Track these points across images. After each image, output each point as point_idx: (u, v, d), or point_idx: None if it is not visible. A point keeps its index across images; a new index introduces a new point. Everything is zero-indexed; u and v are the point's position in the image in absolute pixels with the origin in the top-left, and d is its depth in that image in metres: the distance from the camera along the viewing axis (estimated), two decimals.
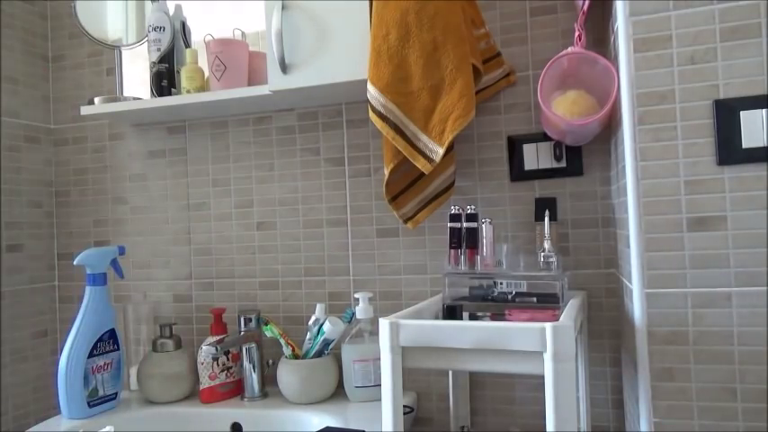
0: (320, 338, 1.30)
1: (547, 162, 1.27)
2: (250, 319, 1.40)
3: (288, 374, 1.30)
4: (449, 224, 1.16)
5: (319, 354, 1.32)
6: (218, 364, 1.37)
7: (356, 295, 1.29)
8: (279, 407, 1.30)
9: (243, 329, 1.38)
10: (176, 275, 1.56)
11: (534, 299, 1.03)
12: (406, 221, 1.30)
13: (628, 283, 0.96)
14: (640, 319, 0.87)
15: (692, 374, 0.84)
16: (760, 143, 0.82)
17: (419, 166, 1.15)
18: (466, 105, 1.10)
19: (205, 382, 1.36)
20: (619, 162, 1.02)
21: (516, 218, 1.28)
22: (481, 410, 1.31)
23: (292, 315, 1.46)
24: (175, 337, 1.41)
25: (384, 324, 0.90)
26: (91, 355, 1.31)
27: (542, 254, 1.09)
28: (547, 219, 1.11)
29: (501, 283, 1.05)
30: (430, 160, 1.14)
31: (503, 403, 1.30)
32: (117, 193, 1.62)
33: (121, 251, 1.41)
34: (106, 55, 1.60)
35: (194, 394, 1.41)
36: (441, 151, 1.12)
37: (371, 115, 1.16)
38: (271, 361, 1.40)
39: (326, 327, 1.29)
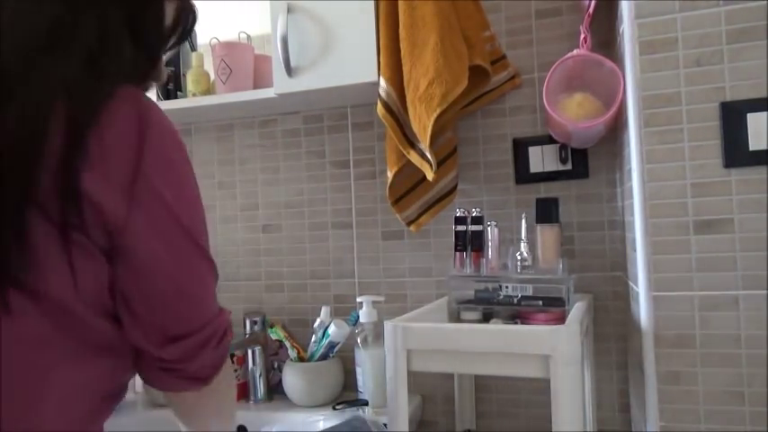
0: (325, 341, 1.30)
1: (552, 164, 1.27)
2: (255, 322, 1.40)
3: (293, 377, 1.30)
4: (454, 227, 1.16)
5: (324, 356, 1.32)
6: None
7: (359, 299, 1.29)
8: (284, 409, 1.30)
9: (248, 332, 1.38)
10: None
11: (540, 302, 1.02)
12: (409, 224, 1.31)
13: (634, 286, 0.96)
14: (647, 322, 0.87)
15: (699, 378, 0.84)
16: (766, 146, 0.81)
17: (416, 162, 1.16)
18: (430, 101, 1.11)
19: None
20: (625, 164, 1.02)
21: (521, 221, 1.27)
22: (486, 414, 1.31)
23: (297, 318, 1.46)
24: None
25: (389, 327, 0.90)
26: None
27: (518, 255, 1.08)
28: (524, 220, 1.10)
29: (506, 287, 1.04)
30: (425, 158, 1.15)
31: (508, 406, 1.30)
32: None
33: None
34: None
35: None
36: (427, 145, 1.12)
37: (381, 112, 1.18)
38: (276, 364, 1.40)
39: (332, 329, 1.29)
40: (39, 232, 0.52)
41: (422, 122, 1.11)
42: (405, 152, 1.20)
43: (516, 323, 1.04)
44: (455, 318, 1.12)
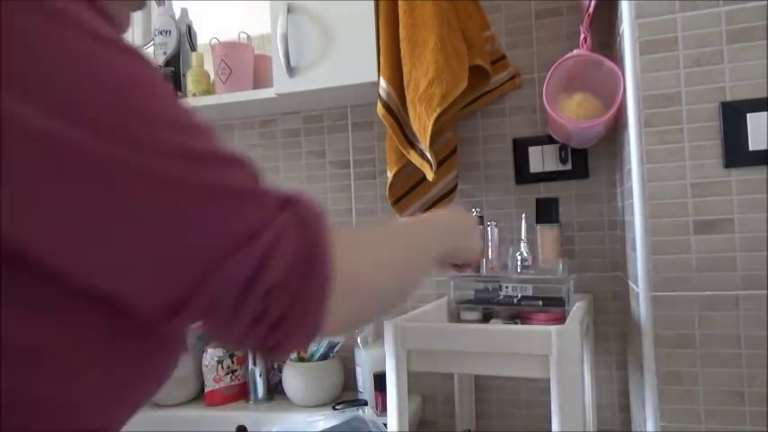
0: (325, 341, 1.30)
1: (552, 164, 1.27)
2: None
3: (293, 377, 1.30)
4: None
5: (324, 356, 1.32)
6: (222, 367, 1.37)
7: None
8: (284, 410, 1.30)
9: None
10: None
11: (540, 302, 1.02)
12: None
13: (634, 287, 0.96)
14: (647, 322, 0.87)
15: (699, 378, 0.84)
16: (766, 146, 0.81)
17: (416, 162, 1.17)
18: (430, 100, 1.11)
19: (210, 385, 1.36)
20: (625, 165, 1.02)
21: (521, 221, 1.27)
22: (486, 414, 1.31)
23: None
24: None
25: (389, 327, 0.90)
26: None
27: (518, 255, 1.08)
28: (524, 220, 1.11)
29: (506, 287, 1.04)
30: (425, 158, 1.15)
31: (508, 407, 1.30)
32: None
33: None
34: None
35: (199, 397, 1.41)
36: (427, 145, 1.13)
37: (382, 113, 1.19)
38: (276, 364, 1.40)
39: None
40: None
41: (422, 122, 1.11)
42: (405, 152, 1.20)
43: (516, 323, 1.04)
44: (455, 318, 1.12)
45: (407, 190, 1.29)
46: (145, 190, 0.34)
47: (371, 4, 1.19)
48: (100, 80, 0.34)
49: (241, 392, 1.39)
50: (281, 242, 0.38)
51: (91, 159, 0.33)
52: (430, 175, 1.15)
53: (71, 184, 0.33)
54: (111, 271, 0.36)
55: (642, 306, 0.88)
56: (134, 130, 0.34)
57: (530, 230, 1.11)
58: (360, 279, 0.47)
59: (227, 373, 1.38)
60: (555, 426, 0.79)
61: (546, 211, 1.12)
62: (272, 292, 0.38)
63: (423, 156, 1.17)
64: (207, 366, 1.37)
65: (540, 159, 1.27)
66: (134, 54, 0.37)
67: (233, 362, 1.39)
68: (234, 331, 0.39)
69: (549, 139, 1.25)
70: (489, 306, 1.07)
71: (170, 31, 1.42)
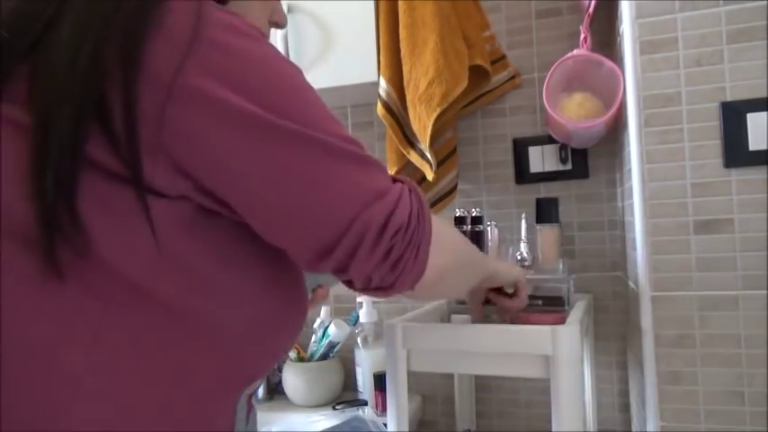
0: (325, 341, 1.30)
1: (552, 164, 1.27)
2: None
3: (293, 377, 1.30)
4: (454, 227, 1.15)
5: (325, 356, 1.32)
6: None
7: (359, 299, 1.29)
8: (284, 410, 1.30)
9: None
10: None
11: (540, 302, 1.02)
12: None
13: (634, 287, 0.96)
14: (647, 322, 0.87)
15: (699, 378, 0.84)
16: (766, 145, 0.81)
17: (416, 162, 1.17)
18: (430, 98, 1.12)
19: None
20: (625, 164, 1.02)
21: (521, 221, 1.27)
22: (486, 413, 1.31)
23: None
24: None
25: (389, 327, 0.90)
26: None
27: (518, 255, 1.08)
28: (524, 220, 1.11)
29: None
30: (425, 158, 1.15)
31: (508, 406, 1.30)
32: None
33: None
34: None
35: None
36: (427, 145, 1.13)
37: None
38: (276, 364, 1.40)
39: (331, 329, 1.29)
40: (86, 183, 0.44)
41: (422, 122, 1.11)
42: (405, 152, 1.20)
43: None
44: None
45: None
46: (319, 155, 0.49)
47: (371, 4, 1.19)
48: (288, 84, 0.51)
49: None
50: (402, 198, 0.53)
51: (281, 133, 0.47)
52: (430, 175, 1.15)
53: (270, 148, 0.47)
54: (288, 218, 0.49)
55: (642, 306, 0.88)
56: (310, 116, 0.50)
57: (530, 230, 1.11)
58: (445, 241, 0.60)
59: None
60: (555, 426, 0.79)
61: (546, 211, 1.12)
62: (398, 233, 0.51)
63: (423, 156, 1.17)
64: None
65: (540, 159, 1.27)
66: (294, 64, 0.55)
67: None
68: (366, 267, 0.51)
69: (549, 139, 1.25)
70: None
71: None
